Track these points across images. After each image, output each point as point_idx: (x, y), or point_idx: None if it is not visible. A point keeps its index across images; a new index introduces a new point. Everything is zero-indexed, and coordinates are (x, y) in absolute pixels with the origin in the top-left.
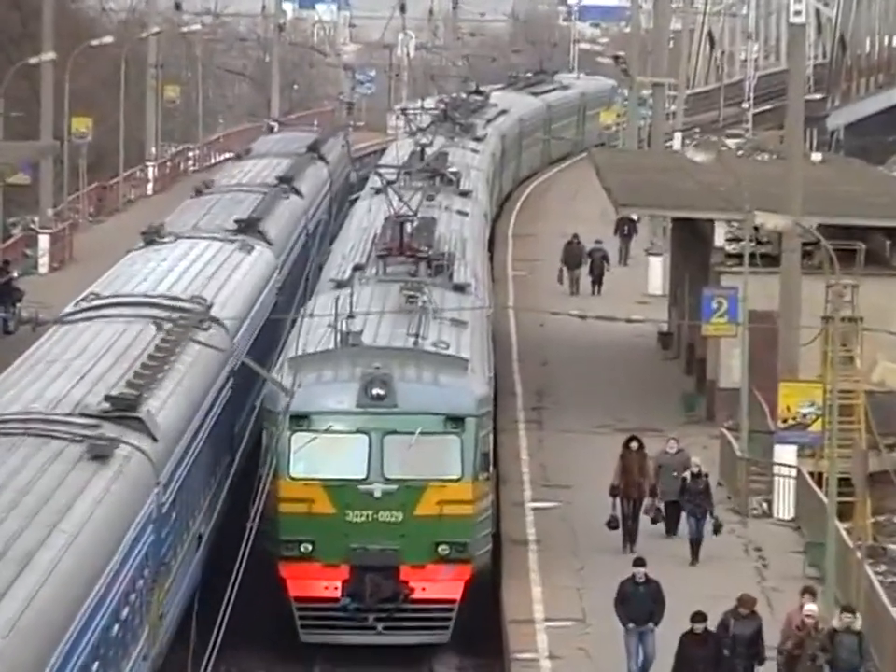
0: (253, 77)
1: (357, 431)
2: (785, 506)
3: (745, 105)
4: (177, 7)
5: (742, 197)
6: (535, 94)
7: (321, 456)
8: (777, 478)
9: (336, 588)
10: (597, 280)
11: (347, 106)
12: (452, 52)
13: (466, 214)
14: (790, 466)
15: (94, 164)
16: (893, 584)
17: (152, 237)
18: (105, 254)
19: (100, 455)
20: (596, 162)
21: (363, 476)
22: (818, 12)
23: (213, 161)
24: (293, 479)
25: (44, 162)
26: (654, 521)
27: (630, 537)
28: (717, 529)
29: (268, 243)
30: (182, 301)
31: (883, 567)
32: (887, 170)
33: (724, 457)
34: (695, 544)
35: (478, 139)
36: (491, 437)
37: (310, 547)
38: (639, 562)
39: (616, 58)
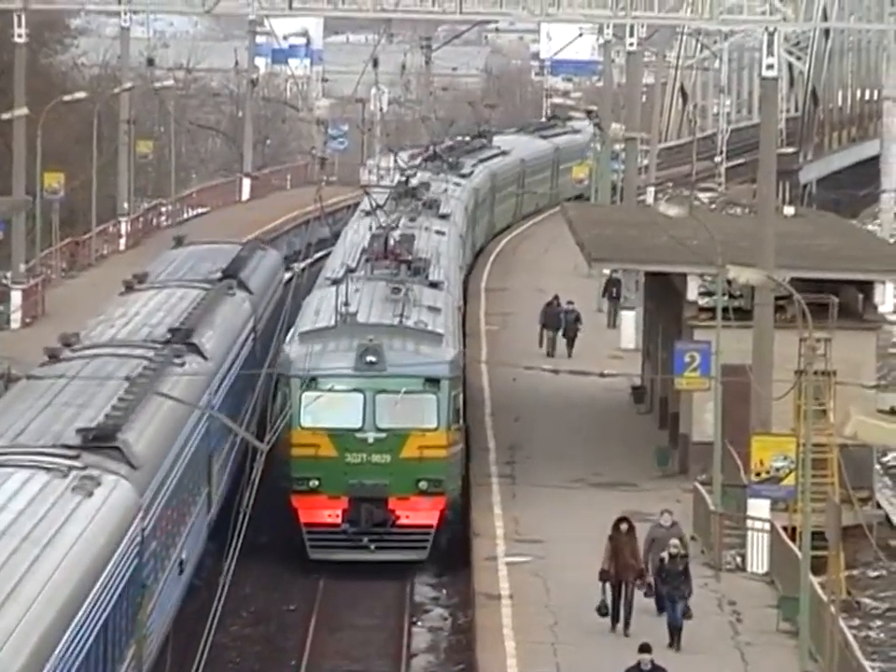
0: (226, 132)
1: (354, 390)
2: (759, 560)
3: (717, 159)
4: (150, 62)
5: (715, 251)
6: (544, 137)
7: (325, 410)
8: (750, 532)
9: (337, 515)
10: (570, 342)
11: (320, 161)
12: (425, 106)
13: (443, 233)
14: (763, 520)
15: (67, 219)
16: (867, 639)
17: None
18: (77, 309)
19: None
20: (569, 217)
21: (359, 426)
22: (790, 66)
23: (185, 215)
24: (303, 428)
25: (16, 218)
26: (647, 595)
27: (625, 622)
28: (684, 614)
29: (130, 466)
30: None
31: (857, 622)
32: (859, 223)
33: (698, 511)
34: (674, 630)
35: (463, 175)
36: (461, 395)
37: (317, 483)
38: (645, 648)
39: (589, 112)
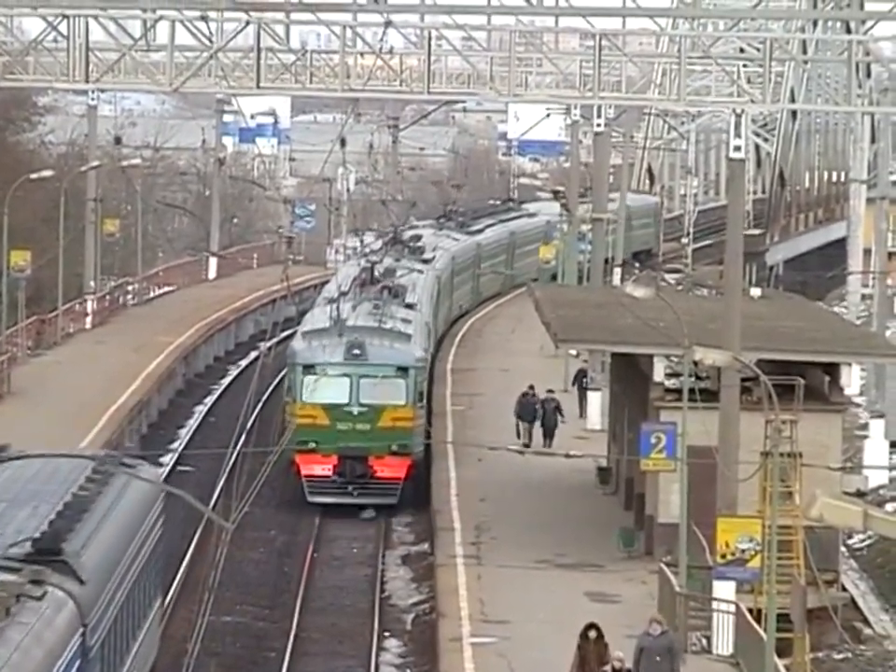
0: (193, 211)
1: (343, 375)
2: (724, 642)
3: (684, 240)
4: (117, 140)
5: (681, 332)
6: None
7: (321, 389)
8: (715, 613)
9: (330, 469)
10: (550, 433)
11: (287, 241)
12: (392, 186)
13: (421, 272)
14: (728, 601)
15: (33, 297)
16: None
17: None
18: (43, 387)
19: None
20: (536, 297)
21: (347, 402)
22: (757, 147)
23: (152, 294)
24: (304, 403)
25: None
26: None
27: None
28: None
29: None
30: None
31: None
32: (826, 305)
33: (663, 593)
34: None
35: (469, 232)
36: (426, 381)
37: (314, 444)
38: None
39: (556, 193)
